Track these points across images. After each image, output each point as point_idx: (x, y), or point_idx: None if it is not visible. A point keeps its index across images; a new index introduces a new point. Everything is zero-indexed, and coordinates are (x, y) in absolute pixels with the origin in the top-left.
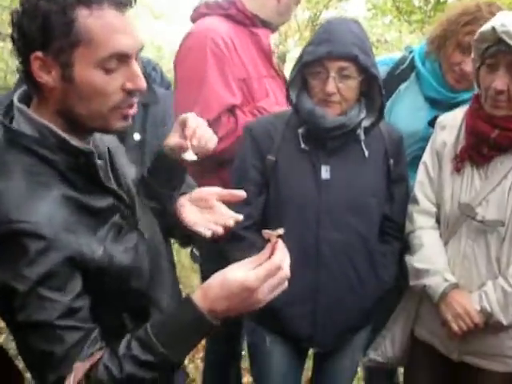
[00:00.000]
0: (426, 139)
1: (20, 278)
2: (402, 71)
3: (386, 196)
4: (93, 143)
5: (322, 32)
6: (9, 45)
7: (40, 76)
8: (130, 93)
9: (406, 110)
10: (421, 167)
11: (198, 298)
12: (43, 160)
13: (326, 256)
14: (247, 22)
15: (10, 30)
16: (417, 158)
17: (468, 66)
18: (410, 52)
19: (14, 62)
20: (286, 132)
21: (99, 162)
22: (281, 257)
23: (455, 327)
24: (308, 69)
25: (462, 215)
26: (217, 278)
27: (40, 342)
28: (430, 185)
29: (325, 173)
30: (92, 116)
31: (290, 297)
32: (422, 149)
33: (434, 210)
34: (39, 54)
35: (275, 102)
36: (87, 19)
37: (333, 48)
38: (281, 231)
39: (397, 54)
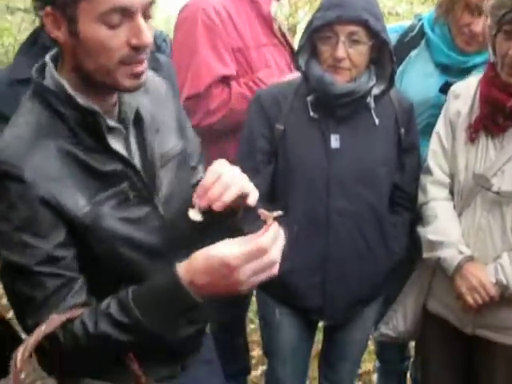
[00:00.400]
0: (437, 106)
1: (3, 218)
2: (411, 38)
3: (396, 165)
4: (118, 106)
5: None
6: (17, 19)
7: (51, 31)
8: (135, 49)
9: (416, 77)
10: (434, 137)
11: (181, 267)
12: (57, 114)
13: (335, 226)
14: None
15: (19, 4)
16: (429, 126)
17: (477, 27)
18: (420, 20)
19: (22, 37)
20: (294, 100)
21: (114, 124)
22: (269, 240)
23: (470, 300)
24: (317, 34)
25: (477, 186)
26: (203, 252)
27: (23, 286)
28: (444, 155)
29: (334, 142)
30: (100, 71)
31: (299, 266)
32: (434, 116)
33: (448, 180)
34: (49, 9)
35: (277, 72)
36: None
37: (343, 12)
38: (278, 213)
39: (406, 22)
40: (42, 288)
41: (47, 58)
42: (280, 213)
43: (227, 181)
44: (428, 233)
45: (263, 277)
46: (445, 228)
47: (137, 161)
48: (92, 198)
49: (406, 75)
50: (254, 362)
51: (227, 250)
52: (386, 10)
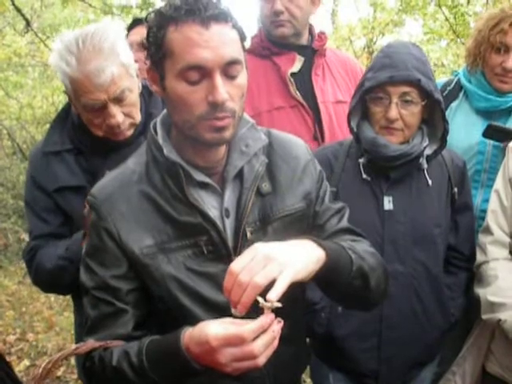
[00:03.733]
0: (483, 152)
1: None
2: (449, 92)
3: (450, 225)
4: (225, 165)
5: (382, 57)
6: None
7: (151, 85)
8: (212, 105)
9: (458, 127)
10: (493, 196)
11: (186, 332)
12: (154, 160)
13: (390, 289)
14: (265, 53)
15: None
16: (476, 173)
17: (509, 63)
18: (456, 75)
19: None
20: (346, 162)
21: (203, 179)
22: (250, 331)
23: None
24: (369, 95)
25: None
26: (203, 324)
27: (86, 304)
28: (504, 214)
29: (387, 204)
30: (184, 125)
31: (353, 331)
32: (481, 163)
33: (508, 240)
34: (149, 64)
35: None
36: (172, 34)
37: (395, 72)
38: (276, 305)
39: (443, 79)
40: (97, 310)
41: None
42: (278, 305)
43: (244, 280)
44: (488, 294)
45: (246, 365)
46: (506, 289)
47: (229, 219)
48: (163, 243)
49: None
50: None
51: (213, 329)
52: (431, 62)
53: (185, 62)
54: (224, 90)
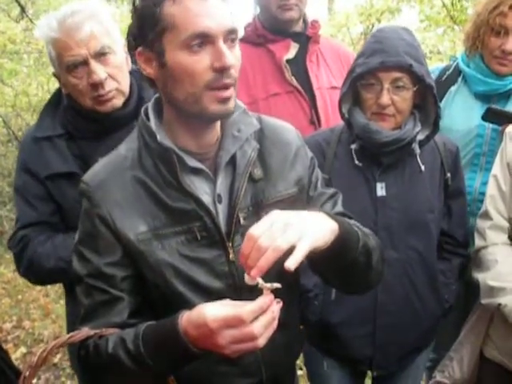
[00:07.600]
0: (482, 135)
1: (77, 230)
2: (448, 77)
3: (443, 211)
4: (218, 151)
5: (373, 42)
6: None
7: (145, 69)
8: (219, 71)
9: (458, 111)
10: (491, 180)
11: (183, 316)
12: (146, 146)
13: (383, 276)
14: (260, 40)
15: None
16: (476, 157)
17: (508, 45)
18: (455, 60)
19: None
20: (338, 147)
21: (195, 165)
22: (249, 312)
23: None
24: (360, 81)
25: None
26: (200, 306)
27: (78, 291)
28: (502, 199)
29: (380, 190)
30: (188, 100)
31: (348, 318)
32: (480, 146)
33: (507, 225)
34: (140, 49)
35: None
36: (170, 8)
37: (386, 58)
38: (275, 285)
39: (441, 64)
40: (91, 298)
41: (156, 95)
42: (278, 285)
43: (264, 245)
44: (488, 278)
45: (245, 347)
46: (505, 274)
47: (222, 204)
48: (157, 229)
49: (448, 110)
50: None
51: (212, 311)
52: (427, 49)
53: (189, 32)
54: (230, 55)
